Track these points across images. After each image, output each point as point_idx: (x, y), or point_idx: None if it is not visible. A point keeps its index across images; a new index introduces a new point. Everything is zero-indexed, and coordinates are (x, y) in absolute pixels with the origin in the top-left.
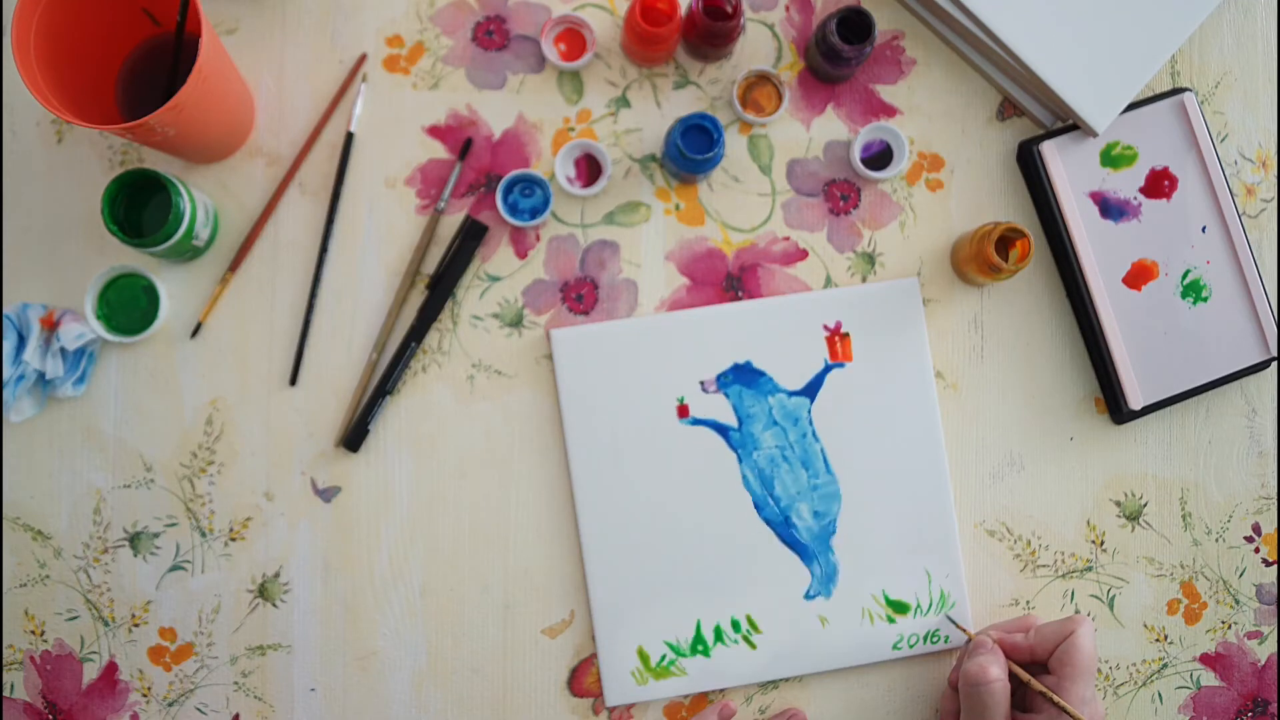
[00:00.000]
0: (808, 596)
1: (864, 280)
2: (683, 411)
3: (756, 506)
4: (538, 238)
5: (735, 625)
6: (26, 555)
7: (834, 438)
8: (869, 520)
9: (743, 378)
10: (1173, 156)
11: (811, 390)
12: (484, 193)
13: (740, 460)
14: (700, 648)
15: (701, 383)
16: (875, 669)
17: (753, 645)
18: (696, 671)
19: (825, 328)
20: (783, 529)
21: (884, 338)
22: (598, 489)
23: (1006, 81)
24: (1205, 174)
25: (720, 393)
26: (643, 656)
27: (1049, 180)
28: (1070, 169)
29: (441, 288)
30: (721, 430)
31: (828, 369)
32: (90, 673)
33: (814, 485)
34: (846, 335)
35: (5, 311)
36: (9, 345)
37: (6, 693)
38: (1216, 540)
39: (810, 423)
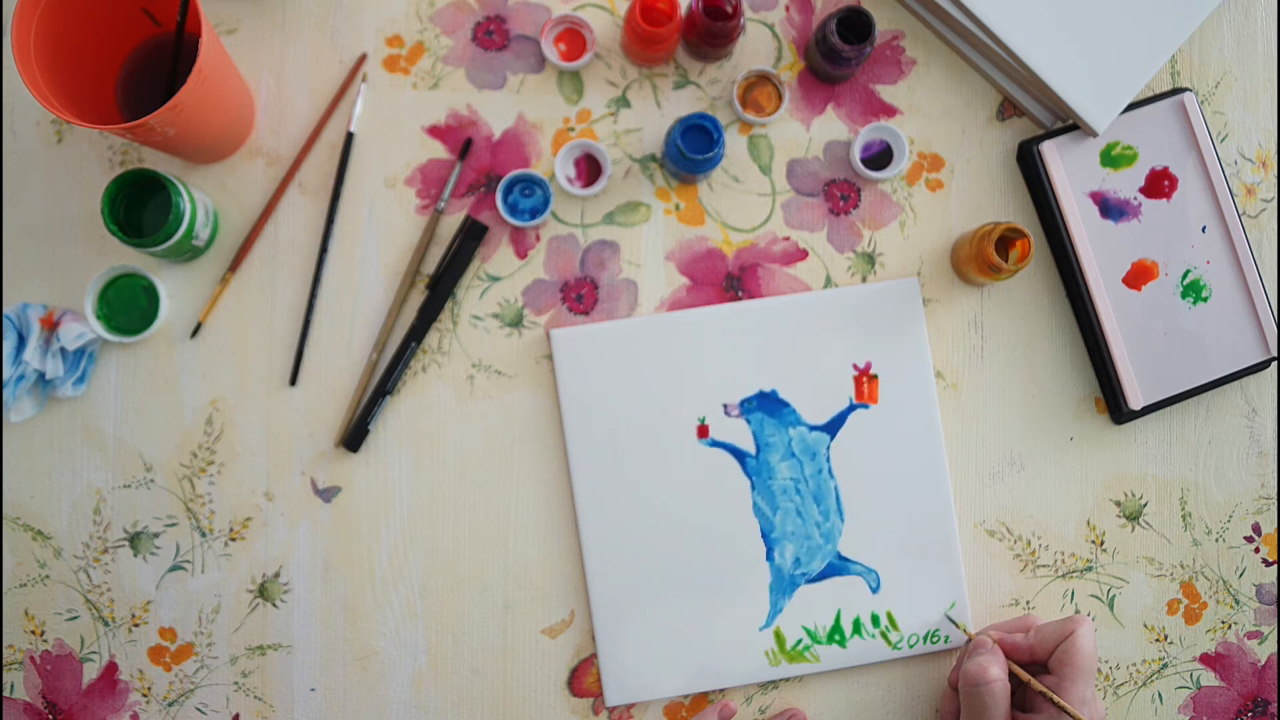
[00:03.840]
0: (759, 629)
1: (864, 280)
2: (702, 432)
3: (763, 534)
4: (538, 238)
5: (875, 620)
6: (26, 555)
7: (849, 477)
8: (869, 521)
9: (766, 406)
10: (1173, 156)
11: (833, 427)
12: (484, 193)
13: (754, 488)
14: (837, 637)
15: (725, 406)
16: (875, 669)
17: (891, 644)
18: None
19: (855, 367)
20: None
21: (884, 338)
22: (598, 489)
23: (1006, 81)
24: (1205, 174)
25: (743, 418)
26: (779, 638)
27: (1049, 180)
28: (1070, 169)
29: (441, 288)
30: (739, 455)
31: (852, 408)
32: (90, 673)
33: (817, 524)
34: (875, 377)
35: (5, 311)
36: (9, 345)
37: (6, 693)
38: (1216, 540)
39: (828, 459)
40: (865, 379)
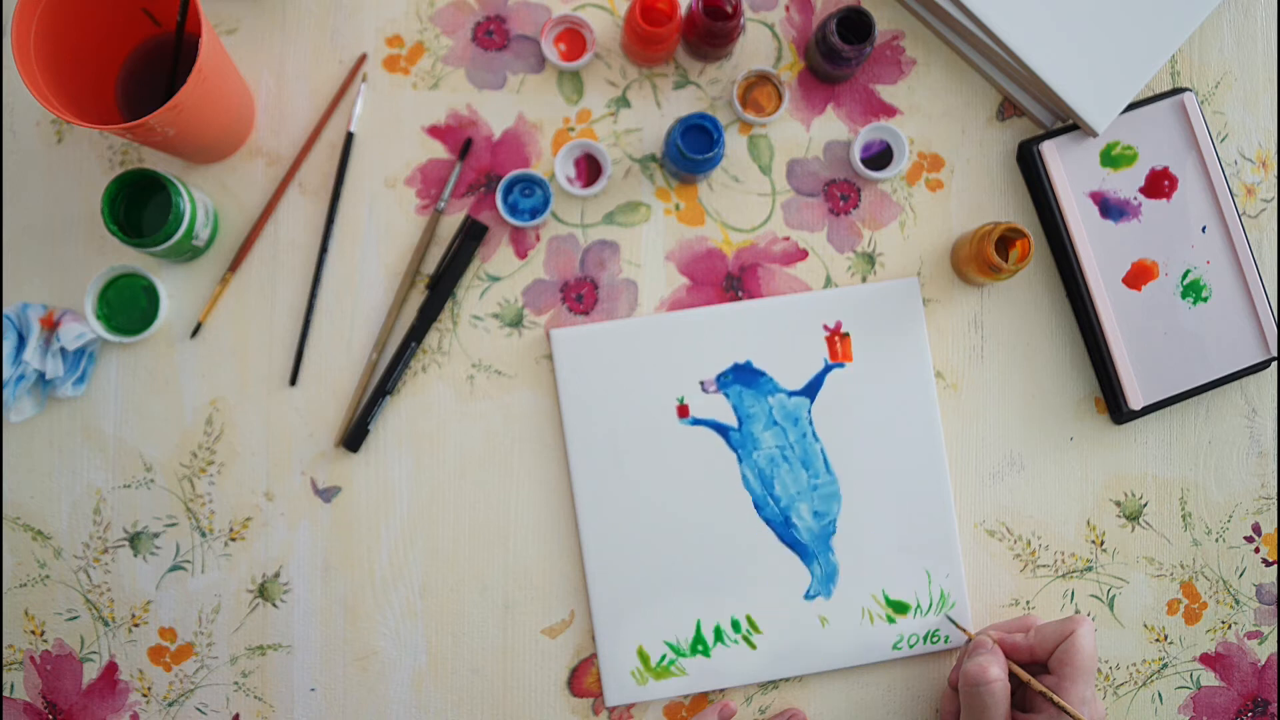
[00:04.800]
0: (808, 596)
1: (864, 280)
2: (683, 411)
3: (756, 506)
4: (538, 238)
5: (735, 625)
6: (26, 555)
7: (834, 438)
8: (869, 520)
9: (743, 378)
10: (1173, 156)
11: (811, 390)
12: (484, 193)
13: (740, 460)
14: (700, 648)
15: (701, 383)
16: (875, 669)
17: (753, 645)
18: (696, 671)
19: (825, 327)
20: (782, 529)
21: (884, 338)
22: (598, 489)
23: (1006, 81)
24: (1205, 174)
25: (720, 393)
26: (643, 656)
27: (1049, 180)
28: (1070, 169)
29: (441, 288)
30: (721, 430)
31: (828, 369)
32: (90, 673)
33: (814, 485)
34: (846, 335)
35: (5, 311)
36: (9, 345)
37: (6, 693)
38: (1216, 540)
39: (810, 423)
40: (838, 338)
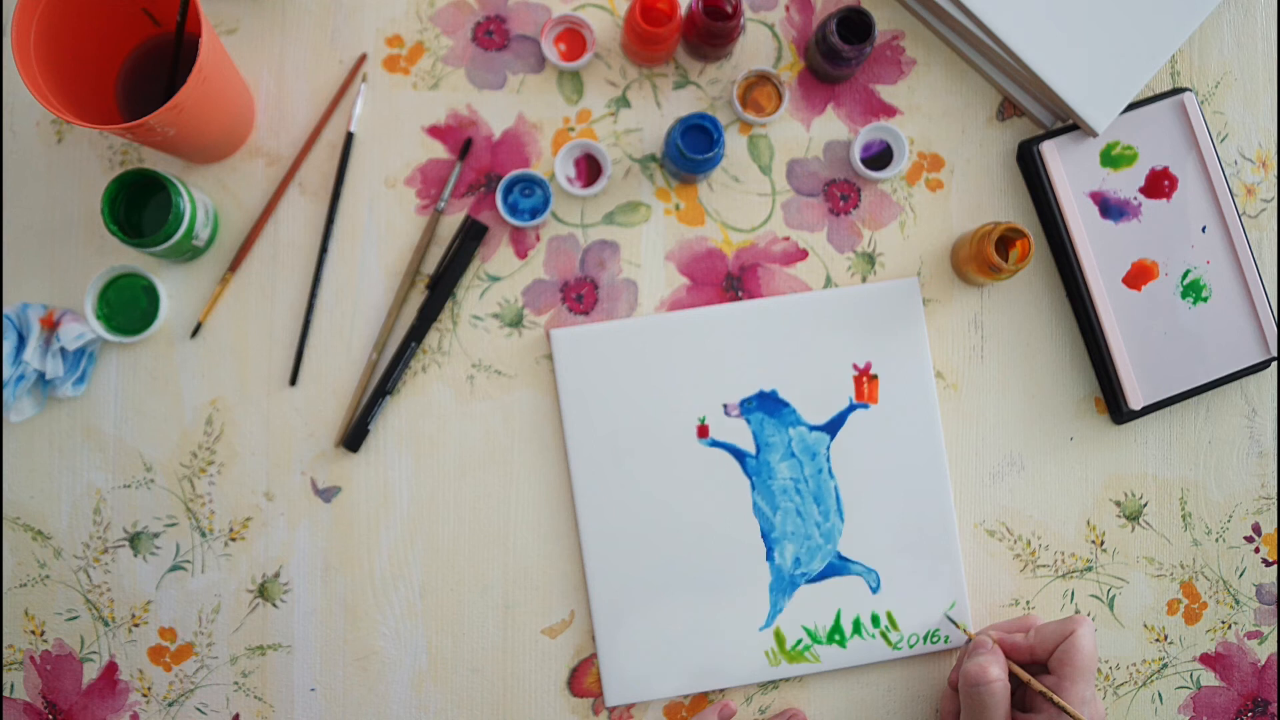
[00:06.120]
0: (760, 629)
1: (864, 280)
2: (703, 432)
3: (763, 534)
4: (538, 238)
5: (875, 620)
6: (26, 555)
7: (848, 477)
8: (869, 519)
9: (766, 405)
10: (1173, 156)
11: (833, 427)
12: (484, 193)
13: (754, 487)
14: (837, 637)
15: (725, 406)
16: (875, 669)
17: (891, 644)
18: (827, 656)
19: (855, 367)
20: (769, 552)
21: (884, 338)
22: (598, 489)
23: (1006, 81)
24: (1205, 174)
25: (743, 418)
26: (779, 638)
27: (1049, 180)
28: (1070, 169)
29: (441, 288)
30: (739, 455)
31: (852, 408)
32: (90, 673)
33: (817, 524)
34: (875, 377)
35: (5, 311)
36: (9, 345)
37: (6, 693)
38: (1216, 540)
39: (828, 459)
40: (865, 379)
